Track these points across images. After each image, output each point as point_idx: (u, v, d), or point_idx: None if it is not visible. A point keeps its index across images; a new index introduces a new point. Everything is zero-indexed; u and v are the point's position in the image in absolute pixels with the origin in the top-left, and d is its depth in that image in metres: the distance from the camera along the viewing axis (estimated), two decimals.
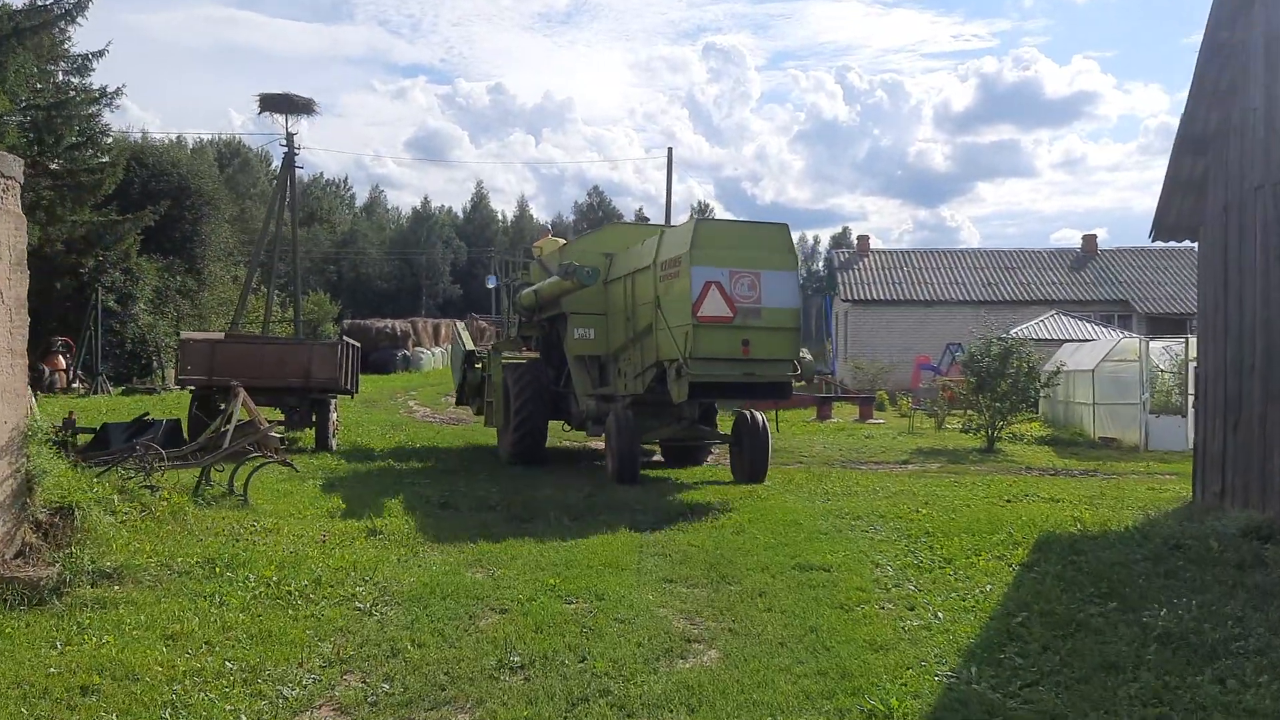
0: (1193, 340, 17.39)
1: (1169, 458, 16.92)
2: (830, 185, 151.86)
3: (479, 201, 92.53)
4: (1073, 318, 30.74)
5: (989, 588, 7.57)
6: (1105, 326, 30.44)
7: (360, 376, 19.32)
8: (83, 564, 7.11)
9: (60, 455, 8.38)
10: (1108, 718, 5.00)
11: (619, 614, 6.78)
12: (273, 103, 35.64)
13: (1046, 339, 26.69)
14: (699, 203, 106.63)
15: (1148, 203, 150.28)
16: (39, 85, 28.51)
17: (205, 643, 5.99)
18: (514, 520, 10.44)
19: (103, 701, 5.08)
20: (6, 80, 25.08)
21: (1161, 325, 33.10)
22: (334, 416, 17.49)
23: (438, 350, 46.40)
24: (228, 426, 11.49)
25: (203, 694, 5.20)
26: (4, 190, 7.17)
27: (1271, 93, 9.54)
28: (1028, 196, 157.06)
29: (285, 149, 35.10)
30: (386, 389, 32.81)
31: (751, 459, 13.66)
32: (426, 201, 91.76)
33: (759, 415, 13.96)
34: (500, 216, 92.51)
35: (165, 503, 9.50)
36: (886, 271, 38.43)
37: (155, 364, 32.10)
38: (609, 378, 14.81)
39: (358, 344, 18.77)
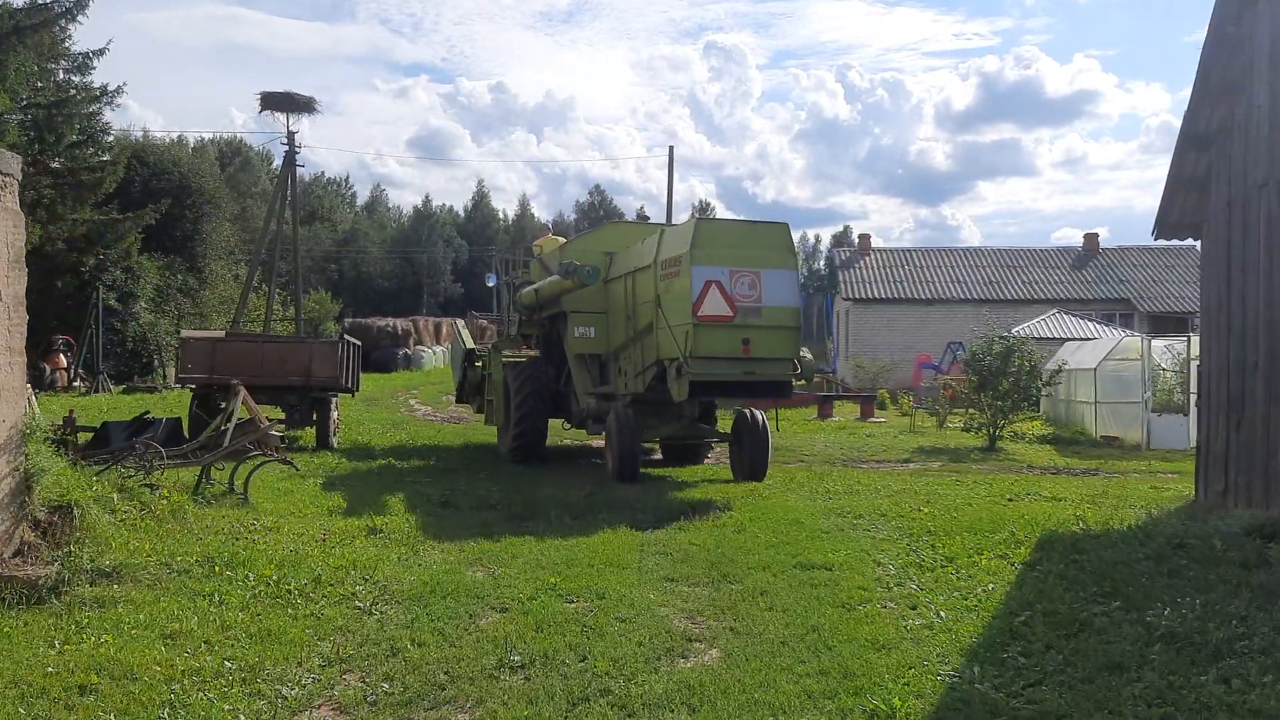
0: (1195, 339, 17.36)
1: (1171, 456, 16.89)
2: (831, 184, 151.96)
3: (480, 200, 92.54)
4: (1074, 316, 30.69)
5: (991, 587, 7.54)
6: (1107, 325, 30.40)
7: (361, 375, 19.30)
8: (81, 563, 7.09)
9: (59, 454, 8.35)
10: (1112, 718, 4.97)
11: (620, 613, 6.75)
12: (274, 101, 35.55)
13: (1048, 337, 26.64)
14: (700, 201, 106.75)
15: (1149, 202, 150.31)
16: (39, 84, 28.50)
17: (204, 642, 5.96)
18: (514, 519, 10.41)
19: (101, 701, 5.05)
20: (7, 78, 25.07)
21: (1163, 324, 33.06)
22: (335, 415, 17.47)
23: (439, 349, 46.37)
24: (228, 425, 11.46)
25: (201, 693, 5.17)
26: (2, 187, 7.15)
27: (1276, 89, 9.50)
28: (1029, 195, 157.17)
29: (286, 148, 35.03)
30: (388, 387, 32.80)
31: (751, 458, 13.64)
32: (428, 200, 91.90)
33: (759, 414, 13.94)
34: (502, 215, 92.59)
35: (165, 501, 9.48)
36: (887, 270, 38.38)
37: (156, 362, 32.10)
38: (609, 376, 14.79)
39: (358, 342, 18.75)
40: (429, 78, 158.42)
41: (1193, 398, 16.09)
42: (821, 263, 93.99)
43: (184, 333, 19.47)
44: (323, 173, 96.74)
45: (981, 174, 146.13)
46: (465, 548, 8.84)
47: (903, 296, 36.73)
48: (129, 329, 31.78)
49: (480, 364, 18.09)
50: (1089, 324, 29.56)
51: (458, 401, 20.53)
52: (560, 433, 17.50)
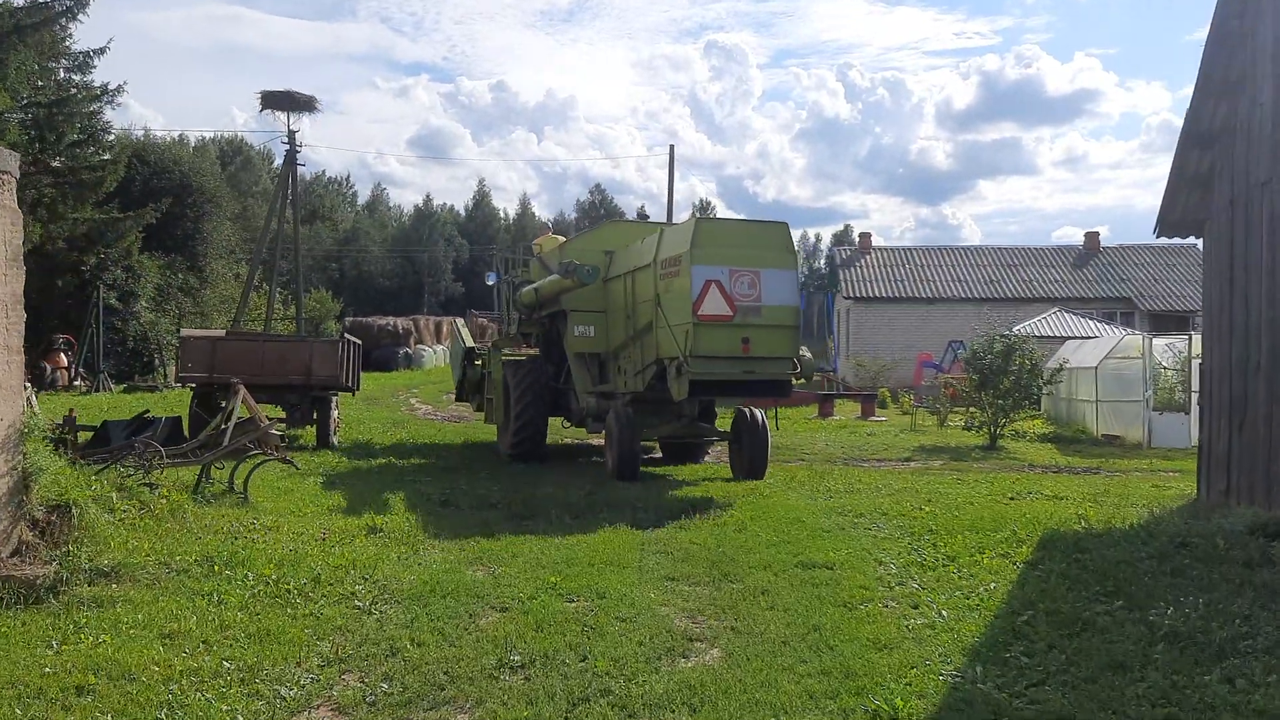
0: (1196, 337, 17.34)
1: (1172, 455, 16.86)
2: (832, 183, 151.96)
3: (481, 199, 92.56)
4: (1075, 315, 30.68)
5: (993, 586, 7.51)
6: (1108, 324, 30.38)
7: (362, 374, 19.28)
8: (80, 562, 7.06)
9: (58, 453, 8.32)
10: (1115, 718, 4.94)
11: (620, 612, 6.72)
12: (274, 100, 35.63)
13: (1049, 336, 26.62)
14: (701, 200, 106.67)
15: (1149, 200, 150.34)
16: (40, 82, 28.46)
17: (203, 642, 5.93)
18: (515, 518, 10.38)
19: (98, 702, 5.02)
20: (7, 77, 25.04)
21: (1164, 322, 33.03)
22: (335, 414, 17.45)
23: (439, 348, 46.33)
24: (228, 424, 11.43)
25: (199, 694, 5.15)
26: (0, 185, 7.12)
27: (1279, 86, 9.46)
28: (1029, 194, 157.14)
29: (287, 147, 35.08)
30: (388, 386, 32.77)
31: (751, 456, 13.64)
32: (428, 199, 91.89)
33: (758, 413, 13.94)
34: (502, 214, 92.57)
35: (164, 500, 9.45)
36: (888, 269, 38.36)
37: (157, 361, 32.09)
38: (609, 375, 14.77)
39: (359, 341, 18.73)
40: (430, 77, 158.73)
41: (1194, 396, 16.07)
42: (822, 261, 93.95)
43: (184, 331, 19.45)
44: (324, 172, 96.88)
45: (982, 173, 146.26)
46: (465, 547, 8.82)
47: (903, 295, 36.70)
48: (130, 328, 31.76)
49: (480, 362, 18.07)
50: (1090, 322, 29.54)
51: (457, 400, 20.52)
52: (560, 431, 17.48)
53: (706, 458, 16.12)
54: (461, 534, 9.34)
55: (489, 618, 6.63)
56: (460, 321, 28.67)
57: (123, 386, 28.86)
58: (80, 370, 28.89)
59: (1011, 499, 11.96)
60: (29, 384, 14.95)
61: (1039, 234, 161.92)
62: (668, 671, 5.60)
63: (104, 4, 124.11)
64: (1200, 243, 11.82)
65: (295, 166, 35.60)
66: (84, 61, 30.08)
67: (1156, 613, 6.48)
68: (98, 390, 27.23)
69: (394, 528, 9.54)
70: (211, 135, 71.00)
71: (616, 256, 14.67)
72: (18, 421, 7.36)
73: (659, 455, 16.16)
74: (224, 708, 5.00)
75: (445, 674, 5.50)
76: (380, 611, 6.71)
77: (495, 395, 16.37)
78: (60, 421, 11.82)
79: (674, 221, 26.43)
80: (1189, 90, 10.51)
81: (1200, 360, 12.22)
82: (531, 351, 17.36)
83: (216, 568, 7.55)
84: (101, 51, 30.20)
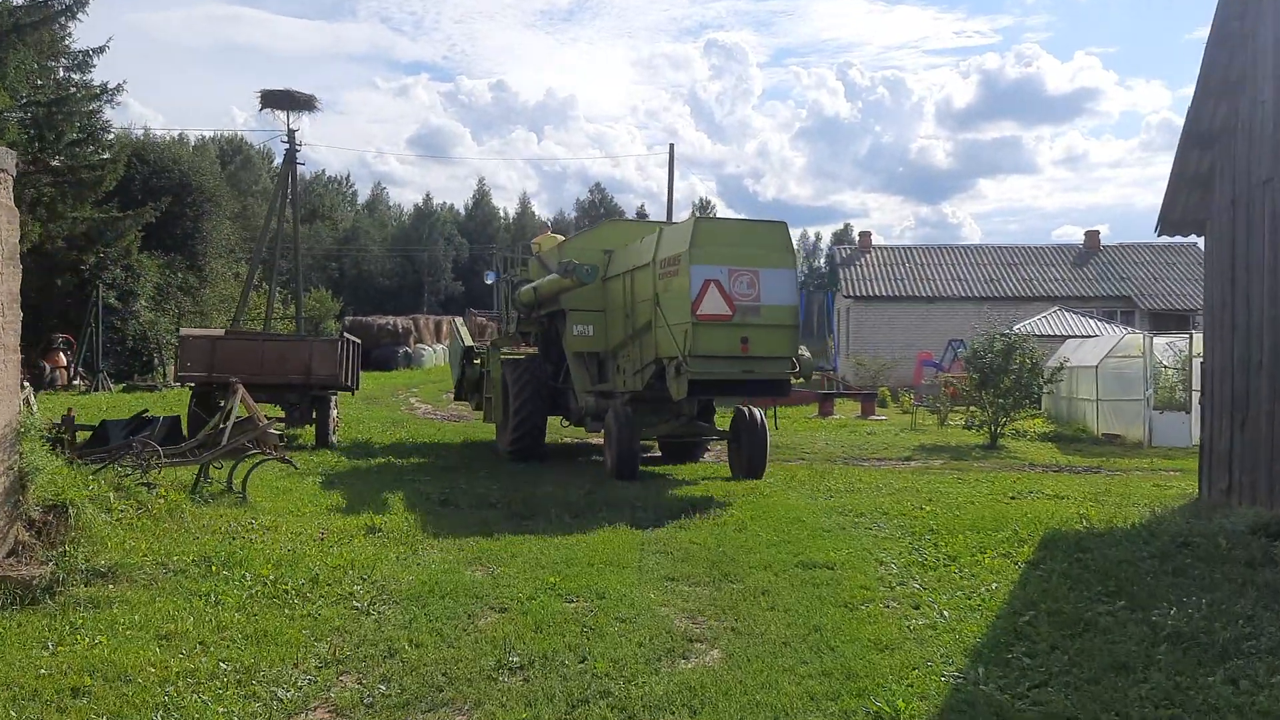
0: (1196, 336, 17.32)
1: (1173, 454, 16.83)
2: (832, 182, 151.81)
3: (481, 198, 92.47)
4: (1075, 314, 30.63)
5: (995, 586, 7.48)
6: (1108, 323, 30.34)
7: (362, 373, 19.25)
8: (76, 563, 7.02)
9: (55, 452, 8.29)
10: None
11: (620, 613, 6.69)
12: (274, 99, 35.54)
13: (1049, 335, 26.59)
14: (701, 199, 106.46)
15: (1149, 199, 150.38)
16: (39, 81, 28.42)
17: (199, 643, 5.90)
18: (514, 517, 10.34)
19: (94, 704, 4.99)
20: (7, 76, 25.00)
21: (1164, 321, 33.01)
22: (334, 413, 17.43)
23: (439, 347, 46.30)
24: (226, 423, 11.40)
25: (196, 695, 5.11)
26: None
27: None
28: (1029, 193, 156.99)
29: (287, 146, 35.02)
30: (388, 386, 32.75)
31: (750, 455, 13.63)
32: (428, 198, 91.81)
33: (757, 412, 13.94)
34: (502, 213, 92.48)
35: (162, 500, 9.41)
36: (888, 268, 38.32)
37: (156, 361, 32.05)
38: (608, 374, 14.75)
39: (358, 340, 18.71)
40: (429, 76, 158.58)
41: (1195, 395, 16.05)
42: (822, 260, 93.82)
43: (183, 331, 19.40)
44: (323, 171, 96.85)
45: (982, 172, 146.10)
46: (464, 546, 8.78)
47: (903, 294, 36.66)
48: (129, 327, 31.72)
49: (479, 361, 18.05)
50: (1090, 321, 29.50)
51: (456, 399, 20.50)
52: (559, 430, 17.44)
53: (706, 456, 16.11)
54: (460, 534, 9.30)
55: (488, 618, 6.59)
56: (459, 320, 28.60)
57: (122, 386, 28.82)
58: (79, 370, 28.85)
59: (1012, 498, 11.93)
60: (27, 383, 14.91)
61: (1039, 233, 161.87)
62: (667, 673, 5.57)
63: (103, 3, 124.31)
64: (1201, 241, 11.77)
65: (295, 166, 35.53)
66: (83, 60, 30.05)
67: (1159, 613, 6.44)
68: (97, 390, 27.19)
69: (393, 527, 9.51)
70: (211, 134, 70.89)
71: (615, 256, 14.65)
72: (14, 421, 7.33)
73: (658, 454, 16.13)
74: (220, 709, 4.96)
75: (443, 675, 5.47)
76: (378, 612, 6.67)
77: (494, 394, 16.34)
78: (58, 421, 11.80)
79: (674, 220, 26.39)
80: (1189, 89, 10.50)
81: (1201, 359, 12.18)
82: (530, 350, 17.34)
83: (214, 568, 7.52)
84: (101, 50, 30.20)
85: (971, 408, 19.33)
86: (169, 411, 15.33)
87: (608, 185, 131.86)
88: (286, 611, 6.59)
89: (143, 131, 46.01)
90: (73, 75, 30.27)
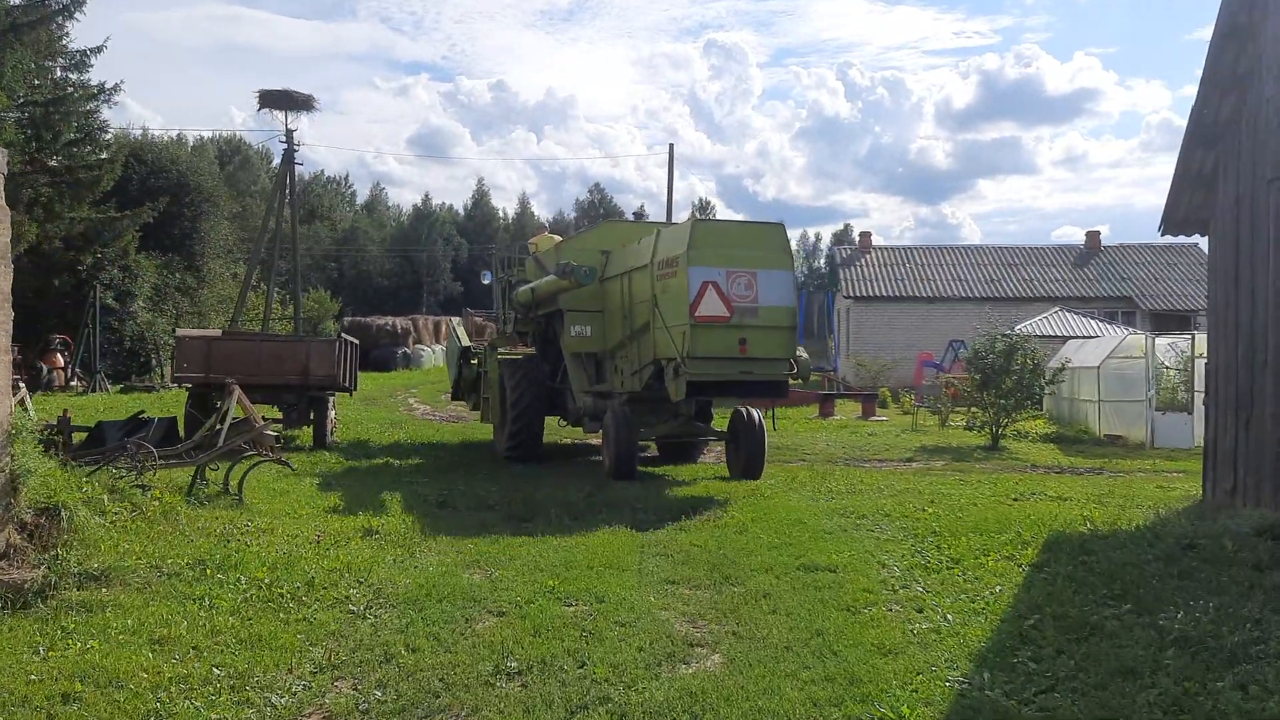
0: (1198, 336, 17.24)
1: (1175, 455, 16.75)
2: (832, 182, 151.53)
3: (480, 199, 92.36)
4: (1077, 314, 30.56)
5: (999, 589, 7.39)
6: (1109, 323, 30.27)
7: (360, 374, 19.17)
8: (69, 566, 6.94)
9: (48, 454, 8.20)
10: None
11: (620, 617, 6.60)
12: (272, 99, 35.46)
13: (1050, 335, 26.51)
14: (701, 199, 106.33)
15: (1149, 199, 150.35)
16: (36, 81, 28.28)
17: (193, 648, 5.81)
18: (513, 519, 10.26)
19: (84, 710, 4.91)
20: (4, 76, 24.89)
21: (1166, 321, 32.94)
22: (332, 414, 17.35)
23: (438, 348, 46.19)
24: (222, 425, 11.32)
25: (188, 702, 5.03)
26: None
27: None
28: (1029, 193, 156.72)
29: (285, 146, 34.95)
30: (387, 386, 32.65)
31: (748, 456, 13.60)
32: (428, 199, 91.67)
33: (755, 413, 13.91)
34: (502, 214, 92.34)
35: (157, 502, 9.33)
36: (889, 268, 38.25)
37: (154, 361, 31.97)
38: (605, 375, 14.70)
39: (356, 341, 18.63)
40: (429, 76, 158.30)
41: (1197, 396, 15.96)
42: (822, 261, 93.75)
43: (179, 331, 19.33)
44: (322, 171, 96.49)
45: (982, 172, 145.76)
46: (462, 549, 8.70)
47: (904, 294, 36.59)
48: (126, 328, 31.63)
49: (476, 361, 18.00)
50: (1091, 322, 29.42)
51: (453, 399, 20.46)
52: (558, 430, 17.36)
53: (705, 457, 16.04)
54: (458, 536, 9.22)
55: (486, 622, 6.50)
56: (456, 320, 28.56)
57: (119, 387, 28.72)
58: (77, 370, 28.77)
59: (1015, 500, 11.84)
60: (22, 384, 14.85)
61: (1038, 233, 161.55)
62: (668, 678, 5.48)
63: (101, 3, 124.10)
64: (1202, 242, 11.70)
65: (293, 166, 35.45)
66: (81, 60, 29.88)
67: (1166, 616, 6.36)
68: (94, 390, 27.09)
69: (390, 530, 9.42)
70: (210, 135, 70.81)
71: (613, 256, 14.59)
72: (6, 423, 7.24)
73: (655, 454, 16.07)
74: (213, 716, 4.88)
75: (440, 681, 5.38)
76: (375, 616, 6.59)
77: (491, 394, 16.29)
78: (53, 422, 11.72)
79: (674, 220, 26.34)
80: (1189, 89, 10.47)
81: (1205, 358, 12.10)
82: (528, 350, 17.27)
83: (208, 571, 7.43)
84: (99, 50, 30.02)
85: (973, 408, 19.25)
86: (166, 412, 15.25)
87: (607, 185, 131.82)
88: (281, 615, 6.51)
89: (141, 131, 45.94)
90: (70, 75, 30.11)
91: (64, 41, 29.21)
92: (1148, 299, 35.27)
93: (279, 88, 35.43)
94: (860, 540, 9.22)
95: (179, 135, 59.34)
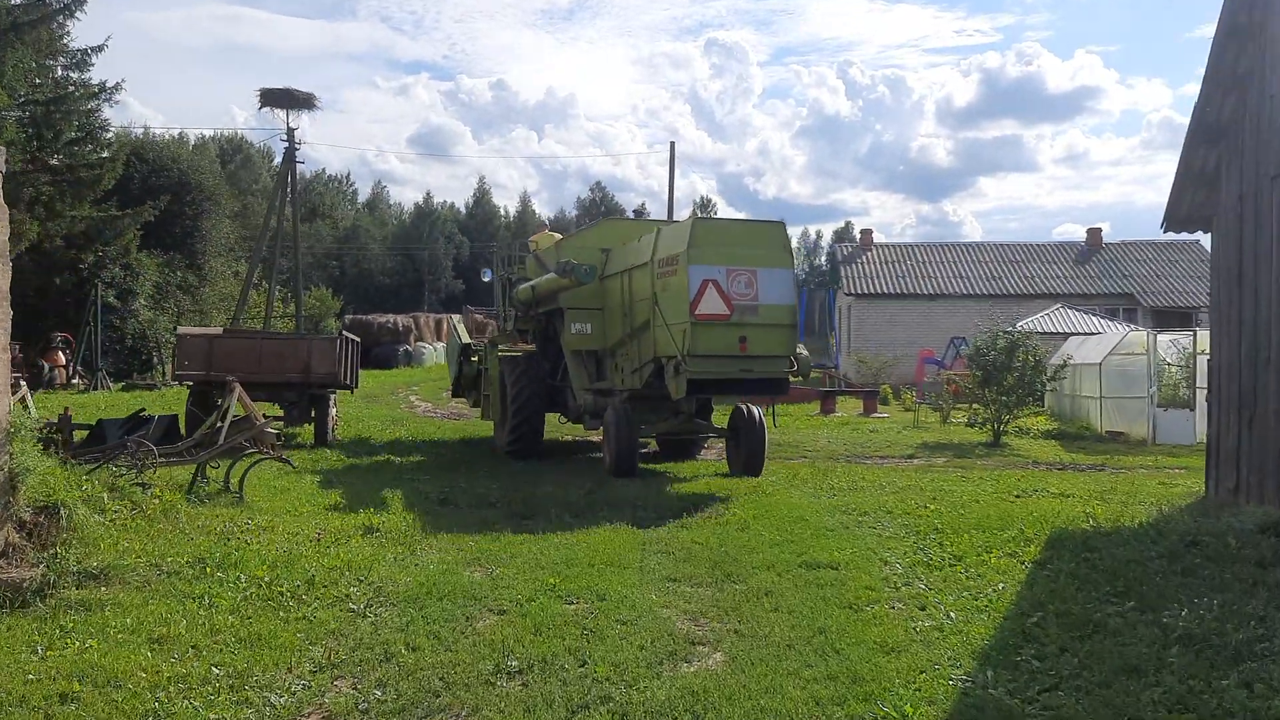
0: (1200, 333, 17.19)
1: (1177, 451, 16.72)
2: (832, 180, 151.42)
3: (481, 197, 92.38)
4: (1078, 311, 30.52)
5: (1002, 586, 7.36)
6: (1111, 320, 30.22)
7: (361, 372, 19.16)
8: (68, 564, 6.91)
9: (48, 452, 8.17)
10: None
11: (621, 615, 6.57)
12: (274, 98, 35.48)
13: (1052, 332, 26.48)
14: (702, 198, 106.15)
15: (1150, 197, 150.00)
16: (38, 80, 28.29)
17: (192, 647, 5.78)
18: (514, 517, 10.23)
19: (83, 710, 4.88)
20: (5, 75, 24.88)
21: (1167, 318, 32.89)
22: (333, 412, 17.33)
23: (439, 345, 46.17)
24: (223, 422, 11.30)
25: (187, 701, 5.00)
26: None
27: None
28: (1030, 191, 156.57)
29: (286, 144, 34.94)
30: (388, 384, 32.64)
31: (748, 453, 13.60)
32: (429, 197, 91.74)
33: (755, 410, 13.90)
34: (503, 212, 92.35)
35: (157, 500, 9.31)
36: (890, 265, 38.19)
37: (155, 359, 31.98)
38: (606, 372, 14.69)
39: (357, 338, 18.63)
40: (430, 75, 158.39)
41: (1200, 393, 15.93)
42: (823, 258, 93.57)
43: (181, 329, 19.31)
44: (324, 170, 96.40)
45: (983, 170, 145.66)
46: (463, 547, 8.67)
47: (905, 292, 36.54)
48: (128, 326, 31.65)
49: (476, 359, 17.98)
50: (1093, 319, 29.38)
51: (454, 396, 20.46)
52: (559, 427, 17.33)
53: (705, 454, 16.02)
54: (459, 534, 9.19)
55: (486, 621, 6.48)
56: (456, 318, 28.52)
57: (121, 385, 28.73)
58: (78, 368, 28.77)
59: (1017, 497, 11.81)
60: (23, 382, 14.85)
61: (1039, 231, 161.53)
62: (669, 677, 5.45)
63: (102, 2, 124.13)
64: (1204, 239, 11.66)
65: (294, 164, 35.48)
66: (82, 59, 29.90)
67: (1169, 614, 6.33)
68: (96, 388, 27.09)
69: (391, 527, 9.39)
70: (211, 133, 70.79)
71: (613, 254, 14.57)
72: (3, 420, 7.21)
73: (655, 451, 16.05)
74: (212, 716, 4.85)
75: (441, 680, 5.35)
76: (375, 615, 6.56)
77: (491, 392, 16.28)
78: (54, 420, 11.70)
79: (675, 219, 26.29)
80: (1190, 87, 10.41)
81: (1207, 355, 12.06)
82: (528, 348, 17.25)
83: (208, 569, 7.41)
84: (99, 49, 30.05)
85: (974, 405, 19.21)
86: (167, 410, 15.24)
87: (608, 184, 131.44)
88: (281, 614, 6.48)
89: (142, 130, 46.05)
90: (71, 74, 30.14)
91: (65, 40, 29.24)
92: (1149, 296, 35.22)
93: (280, 87, 35.44)
94: (862, 537, 9.19)
95: (180, 134, 59.47)
